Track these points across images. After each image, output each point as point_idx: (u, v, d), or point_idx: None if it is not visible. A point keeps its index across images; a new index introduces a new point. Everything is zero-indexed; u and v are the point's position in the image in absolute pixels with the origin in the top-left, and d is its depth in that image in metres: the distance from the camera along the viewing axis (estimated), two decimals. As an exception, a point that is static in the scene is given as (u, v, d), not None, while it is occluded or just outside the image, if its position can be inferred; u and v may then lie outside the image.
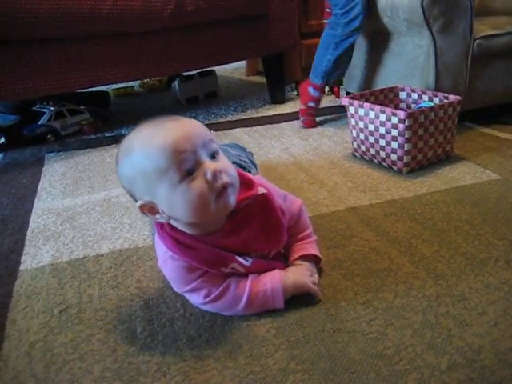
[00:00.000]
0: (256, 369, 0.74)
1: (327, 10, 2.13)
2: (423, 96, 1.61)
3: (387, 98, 1.69)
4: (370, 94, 1.65)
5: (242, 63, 3.25)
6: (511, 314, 0.82)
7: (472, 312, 0.83)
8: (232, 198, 0.79)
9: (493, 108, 1.85)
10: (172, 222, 0.82)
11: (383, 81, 1.88)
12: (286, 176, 1.49)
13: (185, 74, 2.56)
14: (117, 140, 1.90)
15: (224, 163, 0.79)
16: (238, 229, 0.84)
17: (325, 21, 2.11)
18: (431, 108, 1.40)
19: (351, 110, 1.54)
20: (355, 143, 1.58)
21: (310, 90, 1.96)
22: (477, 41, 1.66)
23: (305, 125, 1.97)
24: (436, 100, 1.55)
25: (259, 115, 2.23)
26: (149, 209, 0.80)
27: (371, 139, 1.48)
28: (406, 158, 1.41)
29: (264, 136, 1.90)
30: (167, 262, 0.85)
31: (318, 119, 2.02)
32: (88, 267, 1.06)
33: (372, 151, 1.50)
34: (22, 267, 1.07)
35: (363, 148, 1.54)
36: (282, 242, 0.91)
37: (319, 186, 1.40)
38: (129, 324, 0.86)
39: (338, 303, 0.88)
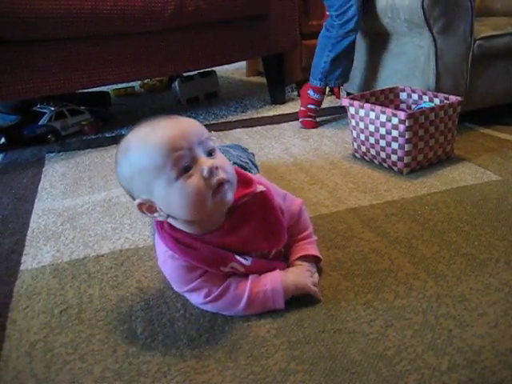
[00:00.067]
0: (256, 369, 0.74)
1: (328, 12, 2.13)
2: (424, 97, 1.61)
3: (388, 99, 1.69)
4: (370, 94, 1.65)
5: (243, 64, 3.25)
6: (511, 315, 0.82)
7: (472, 313, 0.83)
8: (229, 194, 0.79)
9: (493, 109, 1.85)
10: (171, 220, 0.82)
11: (383, 81, 1.88)
12: (287, 176, 1.49)
13: (185, 74, 2.56)
14: (117, 140, 1.88)
15: (220, 160, 0.79)
16: (237, 227, 0.84)
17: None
18: (432, 109, 1.40)
19: (351, 110, 1.54)
20: (355, 144, 1.58)
21: (310, 92, 1.96)
22: (477, 41, 1.66)
23: (305, 125, 1.97)
24: (436, 101, 1.55)
25: (259, 116, 2.23)
26: (147, 207, 0.80)
27: (372, 140, 1.48)
28: (406, 159, 1.41)
29: (264, 136, 1.90)
30: (167, 262, 0.85)
31: (318, 119, 2.02)
32: (88, 267, 1.06)
33: (372, 152, 1.50)
34: (22, 267, 1.07)
35: (363, 149, 1.54)
36: (281, 241, 0.90)
37: (319, 186, 1.40)
38: (129, 324, 0.86)
39: (339, 304, 0.88)
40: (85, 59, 1.78)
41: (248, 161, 1.23)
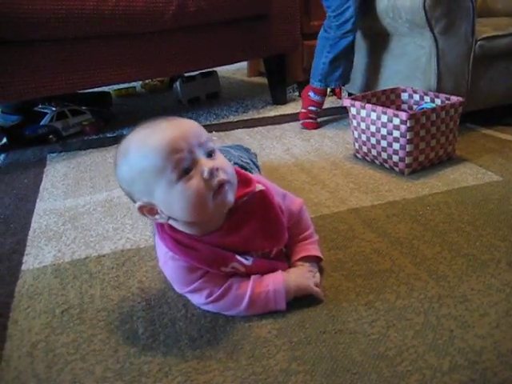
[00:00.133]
0: (258, 369, 0.74)
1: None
2: (425, 97, 1.61)
3: (389, 99, 1.69)
4: (371, 95, 1.65)
5: (244, 64, 3.26)
6: (513, 316, 0.82)
7: (474, 313, 0.83)
8: (230, 195, 0.79)
9: (495, 109, 1.85)
10: (171, 222, 0.82)
11: (385, 82, 1.88)
12: (288, 177, 1.49)
13: (186, 74, 2.56)
14: (118, 140, 1.87)
15: (221, 161, 0.79)
16: (238, 227, 0.84)
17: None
18: (433, 109, 1.40)
19: (353, 111, 1.54)
20: (357, 144, 1.58)
21: (311, 94, 1.97)
22: (479, 42, 1.65)
23: (306, 127, 1.97)
24: (438, 101, 1.55)
25: (261, 116, 2.23)
26: (148, 210, 0.80)
27: (373, 140, 1.48)
28: (407, 159, 1.41)
29: (265, 137, 1.90)
30: (168, 263, 0.85)
31: (319, 120, 2.02)
32: (90, 268, 1.06)
33: (374, 152, 1.50)
34: (23, 267, 1.08)
35: (365, 149, 1.54)
36: (282, 240, 0.90)
37: (321, 187, 1.40)
38: (130, 324, 0.86)
39: (340, 304, 0.88)
40: (86, 59, 1.78)
41: (249, 161, 1.23)
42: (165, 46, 1.94)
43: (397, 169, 1.45)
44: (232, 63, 2.35)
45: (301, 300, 0.88)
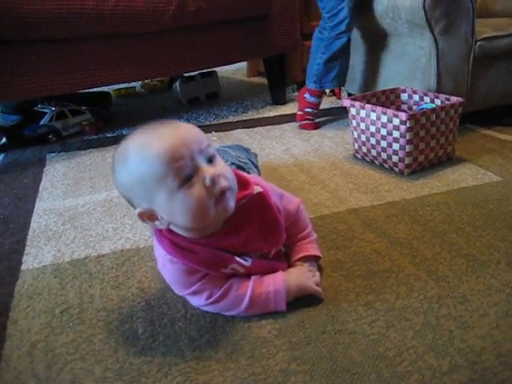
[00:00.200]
0: (257, 370, 0.74)
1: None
2: (425, 97, 1.61)
3: (389, 100, 1.69)
4: (371, 95, 1.65)
5: (244, 64, 3.25)
6: (513, 316, 0.82)
7: (473, 314, 0.83)
8: (231, 202, 0.79)
9: (494, 110, 1.85)
10: (171, 226, 0.82)
11: (384, 82, 1.88)
12: (287, 177, 1.49)
13: (186, 74, 2.56)
14: (118, 140, 1.87)
15: (221, 167, 0.79)
16: (236, 229, 0.84)
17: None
18: (433, 109, 1.40)
19: (352, 111, 1.54)
20: (356, 144, 1.58)
21: (307, 95, 1.96)
22: (478, 42, 1.66)
23: (304, 128, 1.96)
24: (438, 101, 1.55)
25: (260, 116, 2.23)
26: (148, 216, 0.79)
27: (372, 140, 1.48)
28: (407, 160, 1.41)
29: (265, 137, 1.90)
30: (167, 266, 0.85)
31: (319, 120, 2.02)
32: (89, 267, 1.06)
33: (373, 152, 1.50)
34: (23, 267, 1.07)
35: (364, 149, 1.54)
36: (280, 240, 0.90)
37: (320, 187, 1.40)
38: (130, 324, 0.86)
39: (340, 304, 0.88)
40: (86, 59, 1.78)
41: (247, 161, 1.22)
42: (164, 46, 1.94)
43: (396, 169, 1.45)
44: (232, 63, 2.35)
45: (300, 300, 0.88)
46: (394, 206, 1.25)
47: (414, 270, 0.97)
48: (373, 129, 1.47)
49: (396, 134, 1.40)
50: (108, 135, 2.07)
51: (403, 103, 1.70)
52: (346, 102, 1.56)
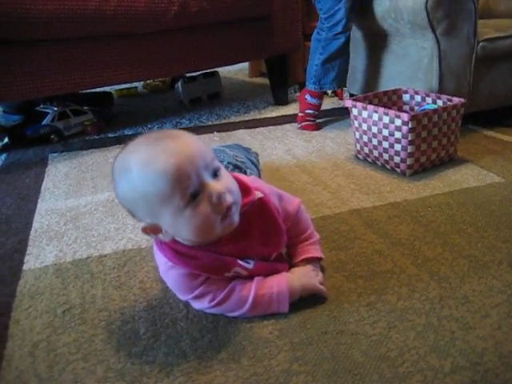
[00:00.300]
0: (259, 370, 0.74)
1: None
2: (427, 98, 1.61)
3: (391, 100, 1.69)
4: (373, 95, 1.65)
5: (246, 64, 3.26)
6: (515, 317, 0.82)
7: (475, 315, 0.83)
8: (236, 217, 0.79)
9: (497, 110, 1.85)
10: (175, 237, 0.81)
11: (386, 83, 1.88)
12: (289, 177, 1.49)
13: (188, 75, 2.57)
14: (120, 141, 1.90)
15: (226, 181, 0.78)
16: (238, 236, 0.83)
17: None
18: (435, 110, 1.40)
19: (354, 111, 1.54)
20: (358, 145, 1.58)
21: (308, 97, 1.97)
22: (481, 43, 1.66)
23: (305, 129, 1.96)
24: (439, 102, 1.55)
25: (262, 116, 2.23)
26: (151, 229, 0.79)
27: (374, 141, 1.48)
28: (409, 161, 1.41)
29: (267, 137, 1.90)
30: (169, 272, 0.85)
31: (320, 121, 2.02)
32: (91, 267, 1.06)
33: (375, 153, 1.50)
34: (25, 267, 1.08)
35: (366, 150, 1.54)
36: (281, 244, 0.90)
37: (322, 187, 1.40)
38: (132, 324, 0.87)
39: (341, 305, 0.88)
40: (88, 59, 1.78)
41: (245, 160, 1.21)
42: (166, 47, 1.94)
43: (398, 170, 1.45)
44: (233, 64, 2.35)
45: (302, 301, 0.88)
46: (396, 207, 1.25)
47: (416, 270, 0.97)
48: (375, 129, 1.47)
49: (398, 134, 1.40)
50: (110, 135, 2.07)
51: (405, 104, 1.70)
52: (348, 103, 1.55)
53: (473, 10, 1.60)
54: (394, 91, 1.70)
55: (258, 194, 0.86)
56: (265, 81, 2.86)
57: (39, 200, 1.44)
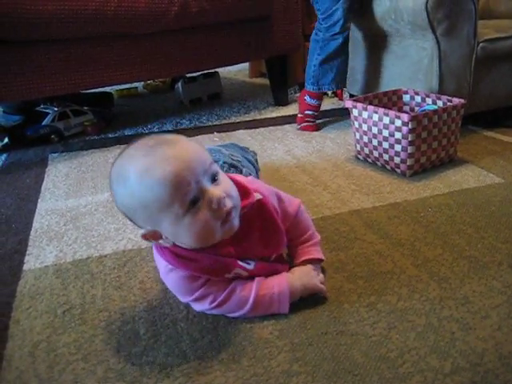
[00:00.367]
0: (259, 371, 0.74)
1: None
2: (427, 99, 1.61)
3: (391, 101, 1.69)
4: (373, 96, 1.65)
5: (246, 65, 3.26)
6: (515, 318, 0.82)
7: (475, 315, 0.83)
8: (236, 221, 0.79)
9: (497, 111, 1.85)
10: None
11: (386, 83, 1.88)
12: (289, 178, 1.49)
13: (188, 75, 2.56)
14: (120, 141, 1.90)
15: (225, 185, 0.78)
16: (238, 238, 0.83)
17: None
18: (435, 111, 1.40)
19: (354, 112, 1.54)
20: (358, 146, 1.58)
21: (307, 98, 1.97)
22: (481, 44, 1.66)
23: (305, 130, 1.96)
24: (440, 103, 1.55)
25: (262, 117, 2.23)
26: (151, 235, 0.79)
27: (374, 142, 1.48)
28: (409, 161, 1.41)
29: (267, 138, 1.90)
30: (169, 275, 0.85)
31: (320, 121, 2.02)
32: (91, 268, 1.06)
33: (375, 154, 1.50)
34: (25, 267, 1.08)
35: (366, 150, 1.54)
36: (281, 245, 0.90)
37: (322, 188, 1.40)
38: (132, 325, 0.87)
39: (342, 306, 0.88)
40: (88, 60, 1.78)
41: (241, 159, 1.20)
42: (167, 47, 1.94)
43: (398, 170, 1.45)
44: (234, 64, 2.35)
45: (302, 301, 0.88)
46: (396, 208, 1.25)
47: (416, 271, 0.97)
48: (375, 130, 1.47)
49: (398, 135, 1.40)
50: (110, 135, 2.07)
51: (405, 104, 1.70)
52: (348, 103, 1.56)
53: (473, 11, 1.60)
54: (394, 92, 1.70)
55: (257, 196, 0.85)
56: (265, 81, 2.86)
57: (39, 200, 1.44)
